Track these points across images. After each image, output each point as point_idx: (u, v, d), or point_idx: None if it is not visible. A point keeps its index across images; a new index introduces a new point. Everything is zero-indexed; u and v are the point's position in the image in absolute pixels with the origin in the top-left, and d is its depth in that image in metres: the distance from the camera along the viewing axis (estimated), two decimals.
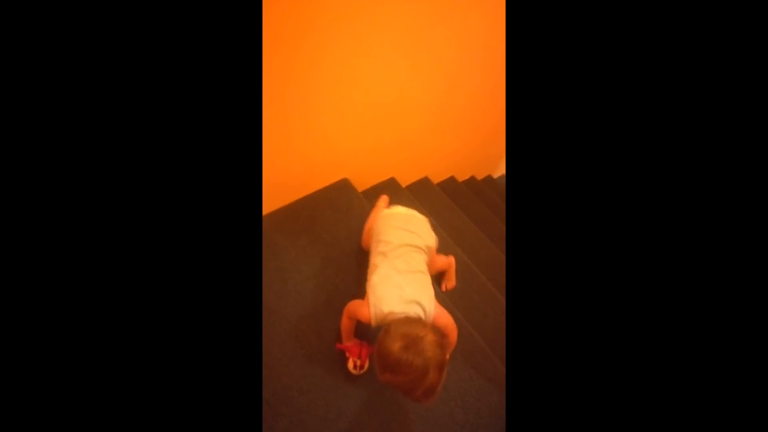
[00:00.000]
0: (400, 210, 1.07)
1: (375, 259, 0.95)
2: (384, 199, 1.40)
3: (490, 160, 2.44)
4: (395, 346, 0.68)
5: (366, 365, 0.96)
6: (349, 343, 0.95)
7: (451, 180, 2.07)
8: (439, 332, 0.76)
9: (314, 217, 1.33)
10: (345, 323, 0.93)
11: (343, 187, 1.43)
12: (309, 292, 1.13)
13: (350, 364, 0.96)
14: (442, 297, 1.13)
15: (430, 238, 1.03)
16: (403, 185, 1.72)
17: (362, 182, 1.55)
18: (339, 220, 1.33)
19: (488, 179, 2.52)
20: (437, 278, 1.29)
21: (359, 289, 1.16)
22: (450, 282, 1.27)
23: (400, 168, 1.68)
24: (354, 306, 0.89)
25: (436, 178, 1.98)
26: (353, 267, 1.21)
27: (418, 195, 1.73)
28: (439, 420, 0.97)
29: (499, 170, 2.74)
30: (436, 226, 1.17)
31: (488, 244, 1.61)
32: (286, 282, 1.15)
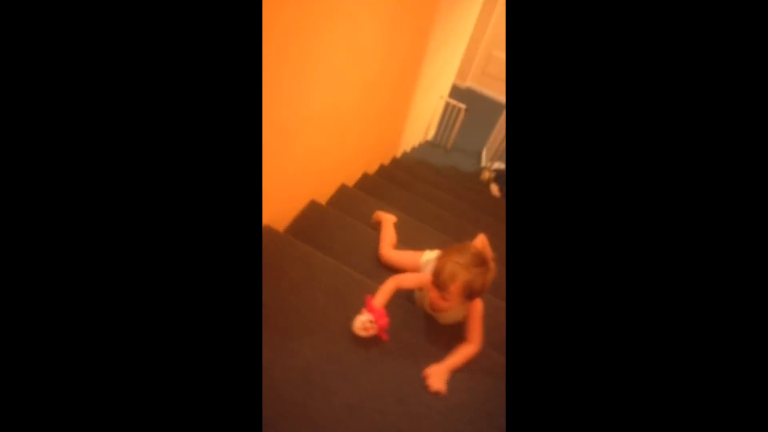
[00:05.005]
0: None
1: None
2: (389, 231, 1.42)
3: (391, 145, 2.44)
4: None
5: (373, 331, 0.96)
6: (379, 307, 0.99)
7: (365, 176, 1.99)
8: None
9: None
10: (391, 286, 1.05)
11: (265, 233, 1.22)
12: None
13: (358, 323, 0.95)
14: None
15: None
16: (324, 202, 1.58)
17: (282, 220, 1.36)
18: (272, 276, 1.14)
19: (394, 161, 2.52)
20: None
21: (276, 338, 1.02)
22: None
23: (316, 188, 1.52)
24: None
25: (351, 181, 1.87)
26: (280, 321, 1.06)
27: (341, 206, 1.61)
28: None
29: (401, 149, 2.76)
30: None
31: (408, 219, 1.61)
32: None
